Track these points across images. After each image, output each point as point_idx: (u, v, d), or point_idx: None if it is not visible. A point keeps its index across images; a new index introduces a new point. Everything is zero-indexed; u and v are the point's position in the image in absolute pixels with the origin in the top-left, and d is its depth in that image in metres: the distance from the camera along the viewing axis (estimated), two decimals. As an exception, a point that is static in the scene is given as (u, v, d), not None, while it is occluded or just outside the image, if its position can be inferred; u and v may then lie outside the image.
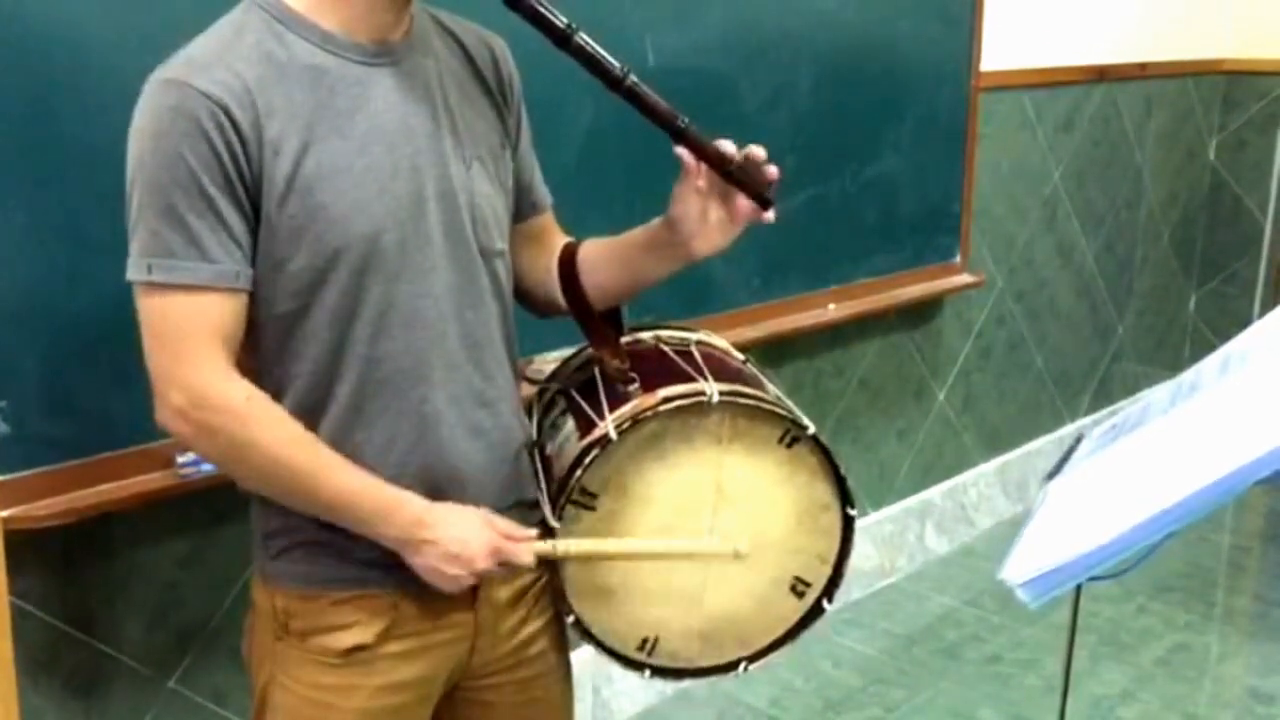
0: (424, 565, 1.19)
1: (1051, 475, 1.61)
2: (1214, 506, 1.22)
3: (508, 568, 1.23)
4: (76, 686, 1.68)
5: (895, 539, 3.14)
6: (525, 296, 1.38)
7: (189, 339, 1.11)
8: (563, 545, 1.24)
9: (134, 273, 1.11)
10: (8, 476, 1.50)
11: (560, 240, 1.40)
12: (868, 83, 2.66)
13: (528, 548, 1.22)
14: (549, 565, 1.27)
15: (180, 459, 1.63)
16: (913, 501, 3.18)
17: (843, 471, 1.32)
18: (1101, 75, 3.43)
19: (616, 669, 1.34)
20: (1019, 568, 1.30)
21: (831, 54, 2.54)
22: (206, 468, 1.63)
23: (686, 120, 1.21)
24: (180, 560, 1.77)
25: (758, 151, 1.23)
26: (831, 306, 2.67)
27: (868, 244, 2.76)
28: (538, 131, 1.38)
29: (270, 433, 1.14)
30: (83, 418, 1.58)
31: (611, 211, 2.06)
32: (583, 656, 1.43)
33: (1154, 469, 1.36)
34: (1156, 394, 1.61)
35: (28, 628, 1.58)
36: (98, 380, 1.57)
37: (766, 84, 2.43)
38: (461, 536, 1.19)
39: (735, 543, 1.29)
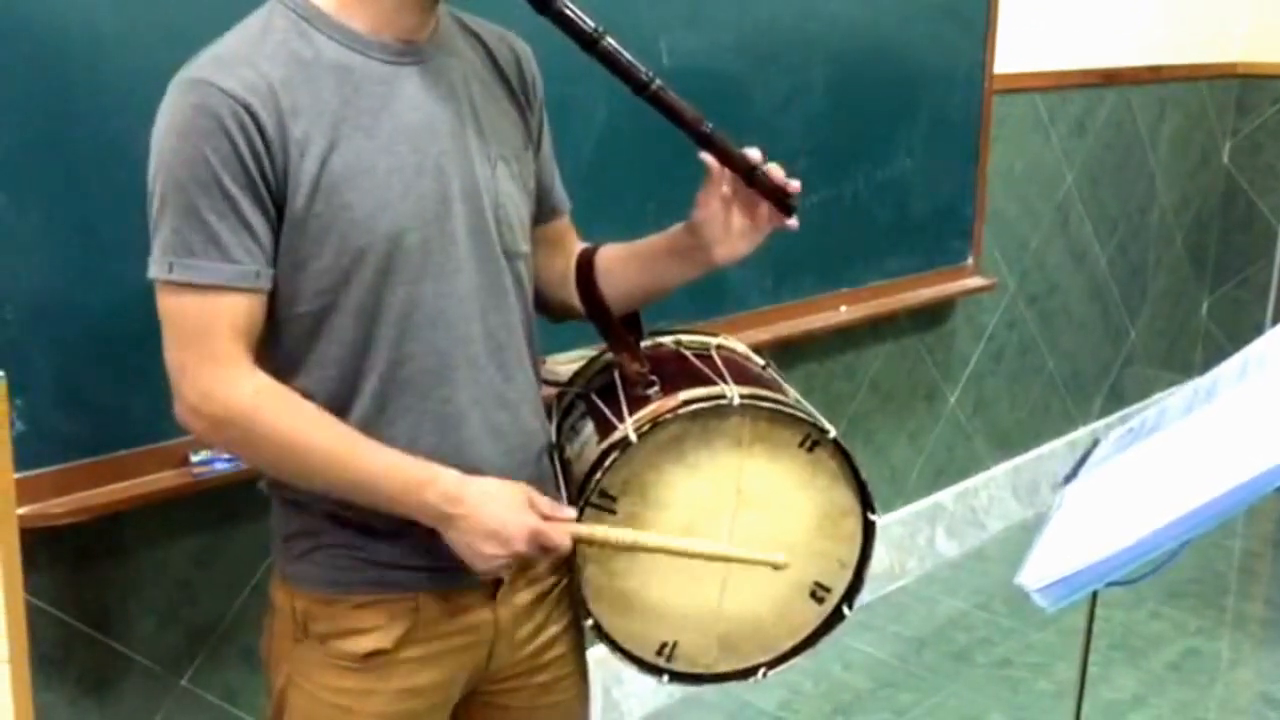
0: (460, 541, 1.16)
1: (1068, 479, 1.60)
2: (1233, 513, 1.22)
3: (546, 553, 1.20)
4: (88, 684, 1.68)
5: (906, 542, 3.13)
6: (541, 300, 1.37)
7: (207, 337, 1.11)
8: (601, 530, 1.21)
9: (155, 271, 1.11)
10: (23, 474, 1.49)
11: (577, 244, 1.40)
12: (881, 85, 2.65)
13: (566, 529, 1.20)
14: (569, 567, 1.27)
15: (194, 458, 1.63)
16: (923, 504, 3.17)
17: (863, 476, 1.31)
18: (1115, 78, 3.42)
19: (627, 670, 1.34)
20: (1036, 573, 1.29)
21: (845, 56, 2.54)
22: (220, 466, 1.62)
23: (712, 125, 1.21)
24: (193, 559, 1.76)
25: (776, 170, 1.23)
26: (843, 308, 2.66)
27: (880, 246, 2.75)
28: (553, 132, 1.37)
29: (284, 420, 1.13)
30: (97, 416, 1.57)
31: (624, 213, 2.06)
32: (593, 657, 1.43)
33: (1173, 474, 1.35)
34: (1173, 399, 1.61)
35: (40, 625, 1.58)
36: (112, 379, 1.57)
37: (781, 86, 2.42)
38: (500, 517, 1.17)
39: (775, 555, 1.26)
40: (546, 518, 1.20)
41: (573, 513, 1.22)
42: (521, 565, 1.22)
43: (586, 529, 1.21)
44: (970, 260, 3.00)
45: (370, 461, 1.15)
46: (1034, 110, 3.20)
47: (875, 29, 2.60)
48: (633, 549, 1.24)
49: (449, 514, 1.16)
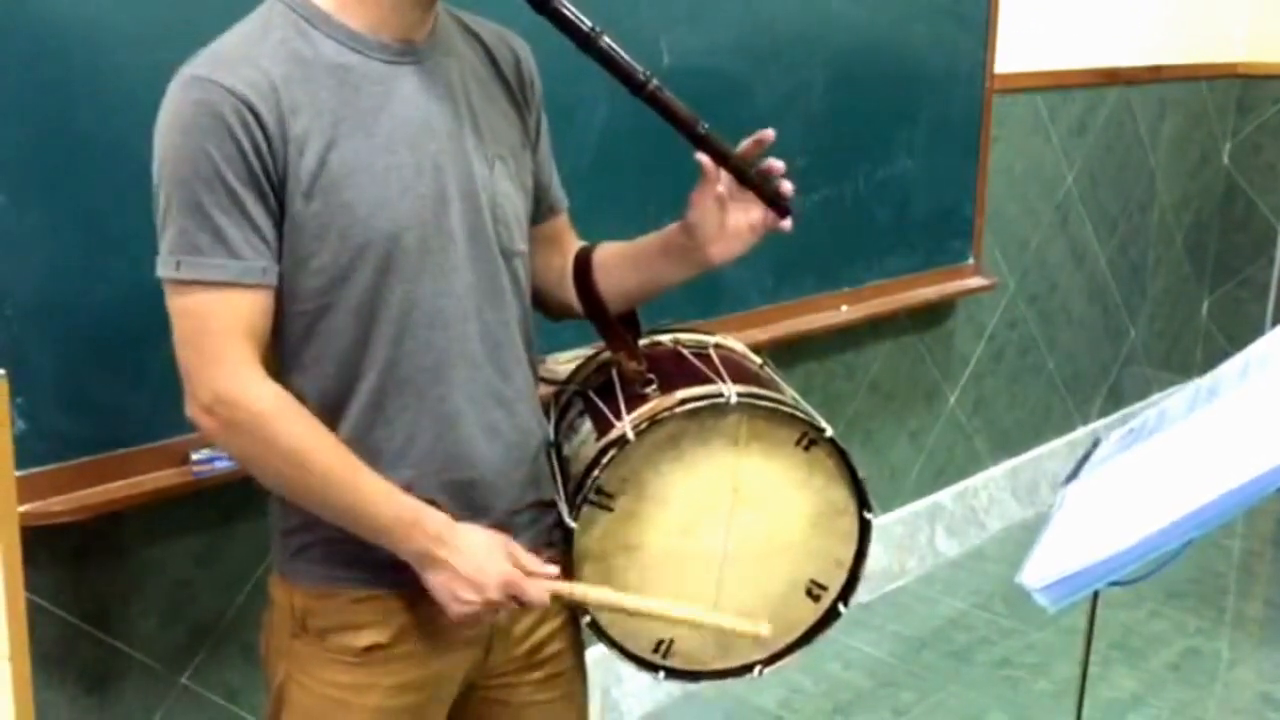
0: (437, 584, 1.18)
1: (1069, 479, 1.60)
2: (1236, 512, 1.22)
3: (518, 603, 1.21)
4: (89, 682, 1.68)
5: (905, 541, 3.13)
6: (539, 299, 1.38)
7: (217, 336, 1.11)
8: (580, 590, 1.23)
9: (163, 270, 1.11)
10: (23, 472, 1.50)
11: (575, 243, 1.41)
12: (881, 85, 2.65)
13: (546, 586, 1.21)
14: (564, 570, 1.27)
15: (194, 456, 1.63)
16: (923, 504, 3.17)
17: (860, 475, 1.32)
18: (1115, 78, 3.42)
19: (626, 669, 1.35)
20: (1038, 572, 1.29)
21: (845, 56, 2.54)
22: (220, 465, 1.63)
23: (707, 126, 1.21)
24: (193, 557, 1.77)
25: (777, 165, 1.24)
26: (844, 308, 2.66)
27: (880, 246, 2.75)
28: (552, 132, 1.38)
29: (296, 435, 1.13)
30: (98, 414, 1.58)
31: (625, 213, 2.06)
32: (592, 656, 1.43)
33: (1175, 474, 1.35)
34: (1174, 399, 1.61)
35: (41, 623, 1.58)
36: (113, 377, 1.57)
37: (781, 85, 2.42)
38: (479, 563, 1.18)
39: (761, 626, 1.28)
40: (529, 572, 1.21)
41: (555, 570, 1.22)
42: (492, 616, 1.23)
43: (566, 587, 1.23)
44: (970, 260, 3.01)
45: (368, 489, 1.15)
46: (1034, 110, 3.20)
47: (875, 28, 2.60)
48: (611, 609, 1.26)
49: (434, 554, 1.17)
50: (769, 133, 1.23)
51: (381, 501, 1.16)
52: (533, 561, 1.22)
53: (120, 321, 1.53)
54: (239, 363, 1.11)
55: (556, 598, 1.23)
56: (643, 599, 1.26)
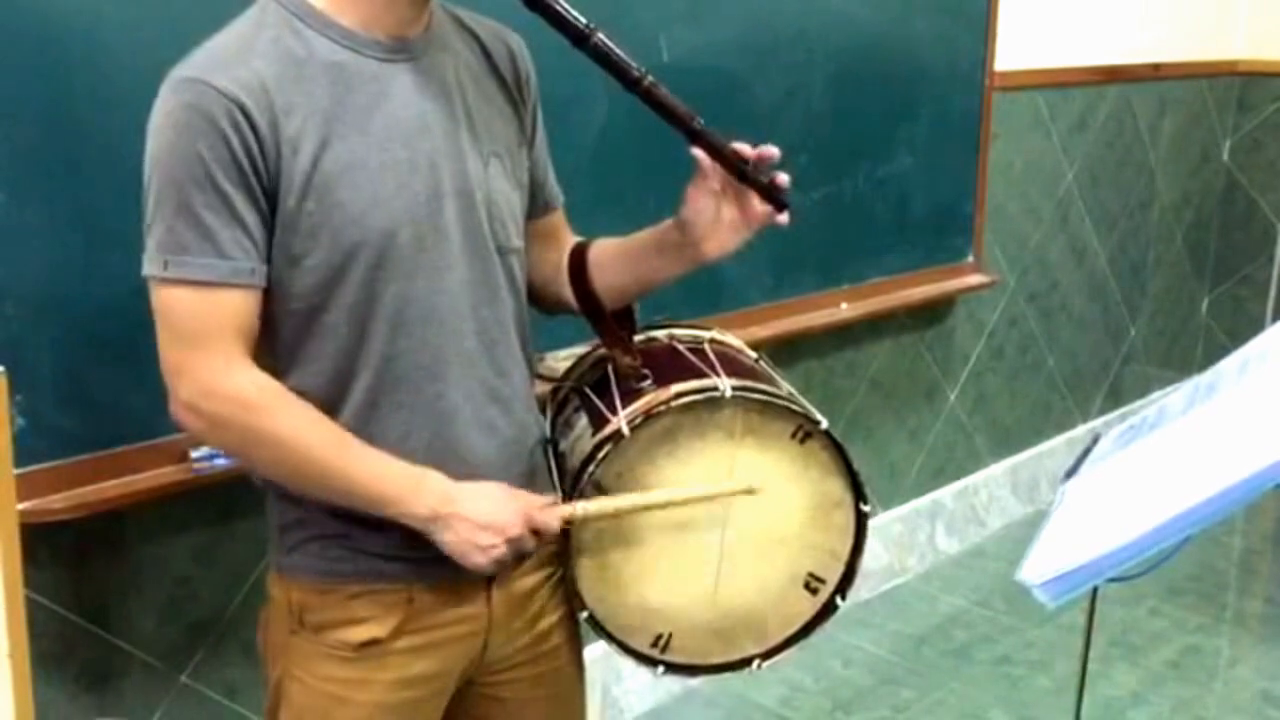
0: (455, 540, 1.18)
1: (1069, 475, 1.60)
2: (1235, 508, 1.22)
3: (538, 536, 1.22)
4: (89, 680, 1.69)
5: (905, 539, 3.13)
6: (534, 294, 1.38)
7: (203, 334, 1.11)
8: (582, 507, 1.23)
9: (150, 268, 1.12)
10: (23, 470, 1.50)
11: (570, 239, 1.41)
12: (882, 82, 2.65)
13: (553, 513, 1.22)
14: (562, 560, 1.27)
15: (194, 453, 1.64)
16: (923, 502, 3.18)
17: (855, 467, 1.32)
18: (1115, 76, 3.42)
19: (626, 667, 1.35)
20: (1038, 568, 1.29)
21: (846, 53, 2.54)
22: (220, 462, 1.63)
23: (702, 121, 1.21)
24: (193, 554, 1.77)
25: (771, 151, 1.23)
26: (844, 306, 2.67)
27: (881, 243, 2.76)
28: (551, 129, 1.38)
29: (282, 420, 1.14)
30: (97, 412, 1.58)
31: (624, 209, 2.06)
32: (592, 654, 1.43)
33: (1174, 470, 1.35)
34: (1174, 396, 1.61)
35: (40, 620, 1.59)
36: (112, 374, 1.57)
37: (781, 83, 2.42)
38: (490, 508, 1.19)
39: (748, 481, 1.28)
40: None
41: (552, 498, 1.24)
42: (516, 558, 1.23)
43: (569, 508, 1.23)
44: (971, 257, 3.01)
45: (364, 465, 1.16)
46: (1034, 107, 3.20)
47: (876, 26, 2.60)
48: (615, 515, 1.25)
49: (442, 514, 1.17)
50: (774, 151, 1.22)
51: (380, 475, 1.16)
52: (534, 496, 1.23)
53: (119, 319, 1.53)
54: (223, 358, 1.11)
55: (566, 520, 1.23)
56: (640, 494, 1.25)
